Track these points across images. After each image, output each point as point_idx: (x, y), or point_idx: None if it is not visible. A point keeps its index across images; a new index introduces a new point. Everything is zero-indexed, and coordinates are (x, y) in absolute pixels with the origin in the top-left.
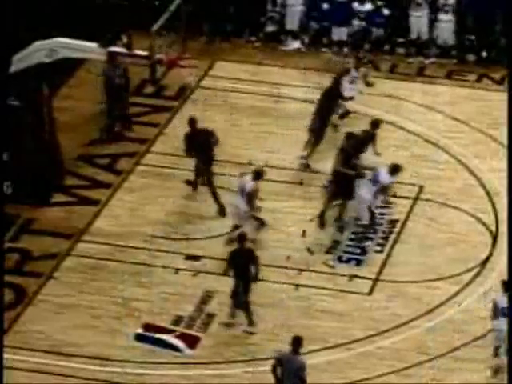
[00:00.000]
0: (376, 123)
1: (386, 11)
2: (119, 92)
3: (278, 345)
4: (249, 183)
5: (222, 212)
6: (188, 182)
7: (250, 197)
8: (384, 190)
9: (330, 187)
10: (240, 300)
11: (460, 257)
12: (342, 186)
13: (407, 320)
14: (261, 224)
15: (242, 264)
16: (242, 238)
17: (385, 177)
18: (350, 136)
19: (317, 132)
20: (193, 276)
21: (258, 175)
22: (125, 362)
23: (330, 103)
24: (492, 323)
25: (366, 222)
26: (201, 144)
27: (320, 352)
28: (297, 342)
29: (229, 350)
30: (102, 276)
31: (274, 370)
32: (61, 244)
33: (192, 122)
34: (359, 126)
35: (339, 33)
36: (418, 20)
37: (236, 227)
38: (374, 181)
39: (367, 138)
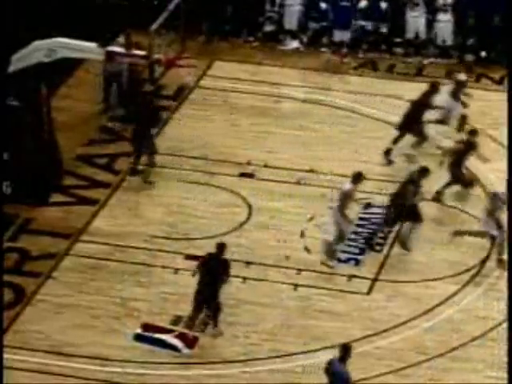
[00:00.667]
0: (474, 132)
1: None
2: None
3: (277, 345)
4: (346, 185)
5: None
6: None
7: (343, 197)
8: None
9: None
10: (201, 304)
11: (459, 257)
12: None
13: (406, 320)
14: (344, 232)
15: (214, 271)
16: (221, 247)
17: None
18: (424, 170)
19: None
20: (192, 276)
21: (357, 178)
22: (125, 361)
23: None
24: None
25: (495, 232)
26: (148, 117)
27: (319, 352)
28: (344, 350)
29: (227, 349)
30: (100, 276)
31: (326, 372)
32: (59, 244)
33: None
34: (357, 127)
35: (341, 35)
36: (416, 20)
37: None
38: (494, 193)
39: (468, 148)
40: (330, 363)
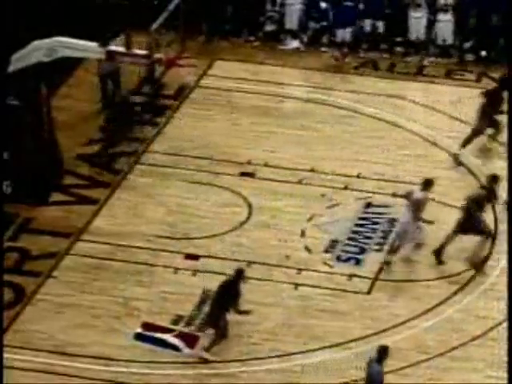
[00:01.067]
0: None
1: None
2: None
3: (278, 344)
4: (417, 193)
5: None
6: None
7: (417, 206)
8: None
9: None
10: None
11: (459, 256)
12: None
13: (406, 319)
14: (421, 238)
15: (227, 297)
16: (240, 273)
17: None
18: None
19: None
20: (192, 275)
21: (428, 185)
22: (128, 361)
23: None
24: None
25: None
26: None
27: (319, 351)
28: (381, 352)
29: (229, 349)
30: (101, 275)
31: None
32: (60, 243)
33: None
34: (359, 126)
35: (343, 34)
36: (418, 21)
37: (394, 249)
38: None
39: None
40: (369, 363)
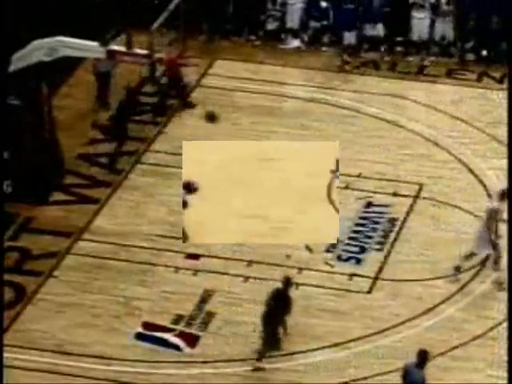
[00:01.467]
0: None
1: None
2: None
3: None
4: (492, 203)
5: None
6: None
7: (490, 217)
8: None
9: None
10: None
11: (459, 255)
12: None
13: (406, 319)
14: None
15: (276, 308)
16: (288, 281)
17: None
18: None
19: None
20: (193, 275)
21: (504, 196)
22: (130, 361)
23: None
24: None
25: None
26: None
27: (319, 350)
28: (421, 356)
29: (230, 348)
30: (102, 275)
31: (403, 378)
32: (60, 243)
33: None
34: (360, 126)
35: (349, 37)
36: (421, 22)
37: (470, 255)
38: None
39: None
40: (406, 370)
